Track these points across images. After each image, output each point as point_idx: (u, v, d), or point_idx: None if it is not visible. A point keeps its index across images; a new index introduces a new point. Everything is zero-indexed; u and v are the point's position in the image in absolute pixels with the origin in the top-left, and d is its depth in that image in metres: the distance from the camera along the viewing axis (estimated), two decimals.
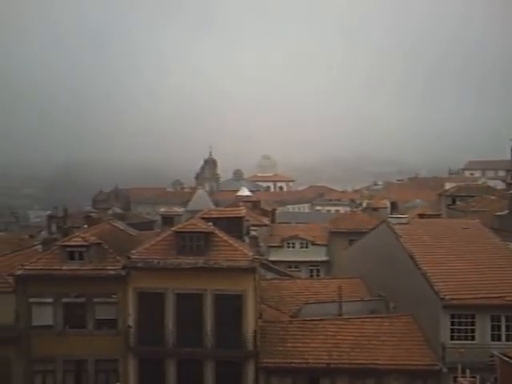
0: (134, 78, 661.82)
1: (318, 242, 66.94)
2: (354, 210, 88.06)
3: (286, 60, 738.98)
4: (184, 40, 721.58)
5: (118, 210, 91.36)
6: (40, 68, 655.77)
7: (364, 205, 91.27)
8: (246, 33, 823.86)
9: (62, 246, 38.33)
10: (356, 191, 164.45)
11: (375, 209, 77.49)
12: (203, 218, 39.96)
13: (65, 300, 36.98)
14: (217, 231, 37.78)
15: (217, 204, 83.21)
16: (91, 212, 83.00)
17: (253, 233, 46.82)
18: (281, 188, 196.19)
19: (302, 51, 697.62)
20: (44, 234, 75.56)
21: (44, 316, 37.06)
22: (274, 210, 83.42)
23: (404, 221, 44.65)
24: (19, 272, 37.08)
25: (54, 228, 75.08)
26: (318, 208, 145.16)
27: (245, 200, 79.96)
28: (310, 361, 35.85)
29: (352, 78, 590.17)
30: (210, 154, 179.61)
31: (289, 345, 36.71)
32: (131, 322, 36.41)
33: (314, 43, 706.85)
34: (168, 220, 42.90)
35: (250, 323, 35.94)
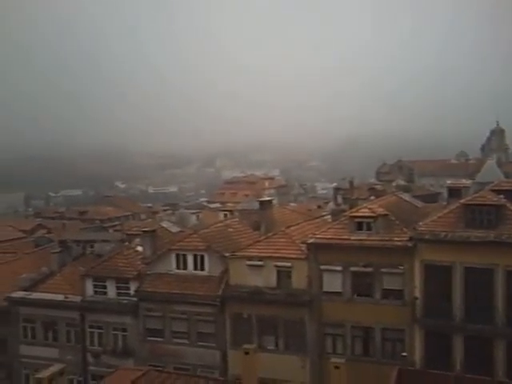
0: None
1: None
2: None
3: None
4: None
5: (402, 182, 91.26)
6: None
7: None
8: None
9: (350, 216, 39.66)
10: None
11: None
12: (493, 191, 38.27)
13: (353, 269, 38.20)
14: (509, 204, 35.96)
15: (507, 176, 78.65)
16: (375, 184, 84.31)
17: None
18: None
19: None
20: (331, 204, 79.00)
21: (333, 283, 38.80)
22: None
23: None
24: (311, 240, 39.38)
25: (339, 199, 78.08)
26: None
27: None
28: None
29: None
30: (498, 124, 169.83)
31: None
32: (417, 293, 36.45)
33: None
34: (455, 192, 41.86)
35: None
